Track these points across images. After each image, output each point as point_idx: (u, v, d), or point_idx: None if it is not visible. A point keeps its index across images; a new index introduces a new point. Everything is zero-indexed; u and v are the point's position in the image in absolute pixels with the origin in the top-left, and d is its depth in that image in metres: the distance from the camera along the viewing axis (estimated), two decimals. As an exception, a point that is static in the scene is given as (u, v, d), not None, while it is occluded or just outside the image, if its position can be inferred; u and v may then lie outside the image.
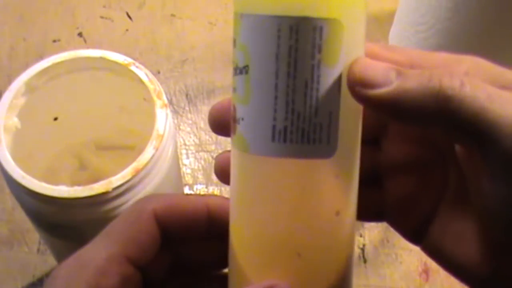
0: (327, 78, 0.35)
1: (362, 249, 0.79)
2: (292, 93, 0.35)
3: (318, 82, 0.35)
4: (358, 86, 0.35)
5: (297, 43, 0.34)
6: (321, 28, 0.34)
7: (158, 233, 0.45)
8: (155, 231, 0.45)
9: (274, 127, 0.36)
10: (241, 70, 0.36)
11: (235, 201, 0.40)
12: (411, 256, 0.79)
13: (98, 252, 0.43)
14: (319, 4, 0.34)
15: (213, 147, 0.86)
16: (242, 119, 0.37)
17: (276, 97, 0.35)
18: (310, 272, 0.38)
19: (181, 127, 0.88)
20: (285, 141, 0.36)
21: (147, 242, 0.44)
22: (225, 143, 0.86)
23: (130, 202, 0.56)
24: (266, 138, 0.36)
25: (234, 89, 0.37)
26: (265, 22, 0.34)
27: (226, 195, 0.81)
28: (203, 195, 0.48)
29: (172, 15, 0.98)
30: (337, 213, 0.38)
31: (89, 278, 0.43)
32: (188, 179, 0.84)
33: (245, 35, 0.36)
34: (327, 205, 0.37)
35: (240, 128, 0.37)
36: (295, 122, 0.35)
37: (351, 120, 0.37)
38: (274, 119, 0.36)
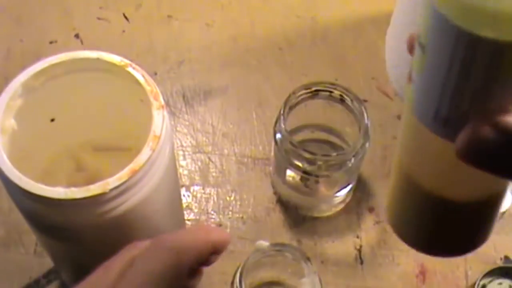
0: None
1: (359, 251, 0.79)
2: (457, 92, 0.35)
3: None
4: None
5: (474, 57, 0.34)
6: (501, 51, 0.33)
7: None
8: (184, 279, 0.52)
9: (437, 111, 0.37)
10: (420, 44, 0.37)
11: (400, 136, 0.44)
12: (408, 258, 0.79)
13: None
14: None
15: (210, 148, 0.86)
16: (414, 82, 0.38)
17: (442, 90, 0.36)
18: None
19: (178, 128, 0.88)
20: (444, 126, 0.37)
21: None
22: (222, 144, 0.86)
23: (127, 204, 0.56)
24: (428, 115, 0.37)
25: (416, 48, 0.37)
26: (452, 29, 0.34)
27: (222, 197, 0.82)
28: (208, 230, 0.55)
29: (169, 16, 0.98)
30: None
31: None
32: (185, 180, 0.84)
33: (428, 24, 0.36)
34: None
35: (412, 86, 0.39)
36: (457, 115, 0.36)
37: None
38: (439, 104, 0.36)
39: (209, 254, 0.54)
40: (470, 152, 0.36)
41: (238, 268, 0.67)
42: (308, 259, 0.67)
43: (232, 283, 0.67)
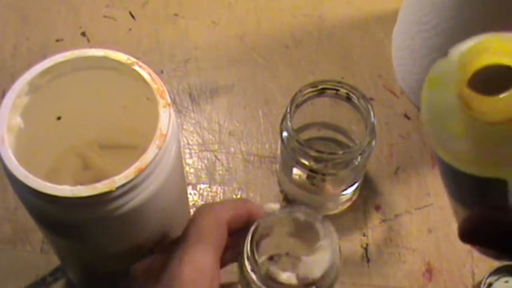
0: None
1: (365, 249, 0.79)
2: None
3: None
4: None
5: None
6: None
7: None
8: (226, 236, 0.59)
9: None
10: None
11: None
12: (415, 256, 0.79)
13: (206, 257, 0.55)
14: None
15: (216, 146, 0.86)
16: None
17: None
18: None
19: (184, 126, 0.88)
20: None
21: (223, 246, 0.58)
22: (228, 142, 0.86)
23: (134, 202, 0.56)
24: None
25: None
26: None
27: (228, 195, 0.82)
28: (247, 201, 0.62)
29: (176, 14, 0.98)
30: None
31: (208, 280, 0.55)
32: (191, 178, 0.84)
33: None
34: None
35: None
36: None
37: None
38: None
39: (245, 220, 0.60)
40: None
41: (246, 238, 0.60)
42: (323, 218, 0.61)
43: (242, 254, 0.61)
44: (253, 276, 0.59)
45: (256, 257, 0.58)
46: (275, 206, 0.62)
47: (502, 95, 0.38)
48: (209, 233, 0.57)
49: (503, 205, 0.41)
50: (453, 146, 0.40)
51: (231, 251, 0.61)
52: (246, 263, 0.59)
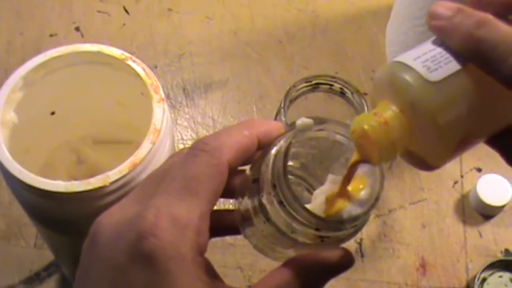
0: None
1: (360, 244, 0.79)
2: None
3: None
4: (428, 18, 0.44)
5: None
6: None
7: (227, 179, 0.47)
8: (226, 179, 0.47)
9: None
10: None
11: None
12: (409, 251, 0.79)
13: (191, 211, 0.45)
14: None
15: (210, 141, 0.86)
16: None
17: None
18: None
19: (178, 121, 0.88)
20: None
21: (220, 192, 0.47)
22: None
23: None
24: None
25: None
26: None
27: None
28: (252, 123, 0.50)
29: (169, 9, 0.98)
30: None
31: (192, 238, 0.44)
32: (186, 173, 0.84)
33: None
34: None
35: None
36: None
37: None
38: None
39: (255, 148, 0.49)
40: None
41: (269, 162, 0.47)
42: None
43: (259, 183, 0.47)
44: (282, 212, 0.45)
45: (291, 187, 0.45)
46: (308, 120, 0.50)
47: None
48: (200, 184, 0.46)
49: None
50: None
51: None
52: (271, 192, 0.46)
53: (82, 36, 0.95)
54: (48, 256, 0.78)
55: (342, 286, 0.77)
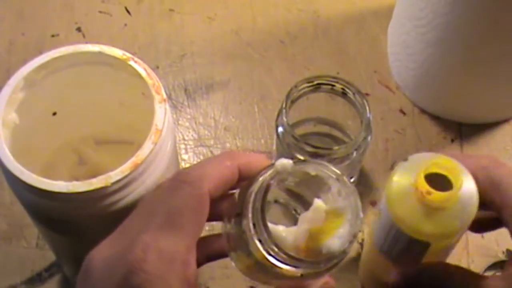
0: None
1: (361, 244, 0.79)
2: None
3: None
4: None
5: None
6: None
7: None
8: (208, 209, 0.49)
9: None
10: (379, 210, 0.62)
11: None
12: (410, 251, 0.79)
13: (177, 245, 0.47)
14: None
15: (212, 142, 0.86)
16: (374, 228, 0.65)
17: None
18: None
19: (180, 122, 0.88)
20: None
21: (204, 222, 0.50)
22: (224, 138, 0.86)
23: (129, 197, 0.56)
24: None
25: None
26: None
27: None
28: (233, 155, 0.52)
29: (171, 9, 0.98)
30: None
31: (179, 271, 0.47)
32: (187, 174, 0.84)
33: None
34: None
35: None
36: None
37: None
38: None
39: (236, 178, 0.51)
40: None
41: (250, 200, 0.49)
42: (341, 175, 0.50)
43: (243, 217, 0.49)
44: (260, 246, 0.48)
45: (268, 227, 0.48)
46: (287, 162, 0.50)
47: (445, 192, 0.54)
48: (183, 217, 0.48)
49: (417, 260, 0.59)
50: (406, 217, 0.56)
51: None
52: (251, 229, 0.48)
53: (84, 36, 0.95)
54: (49, 256, 0.78)
55: (344, 287, 0.77)
